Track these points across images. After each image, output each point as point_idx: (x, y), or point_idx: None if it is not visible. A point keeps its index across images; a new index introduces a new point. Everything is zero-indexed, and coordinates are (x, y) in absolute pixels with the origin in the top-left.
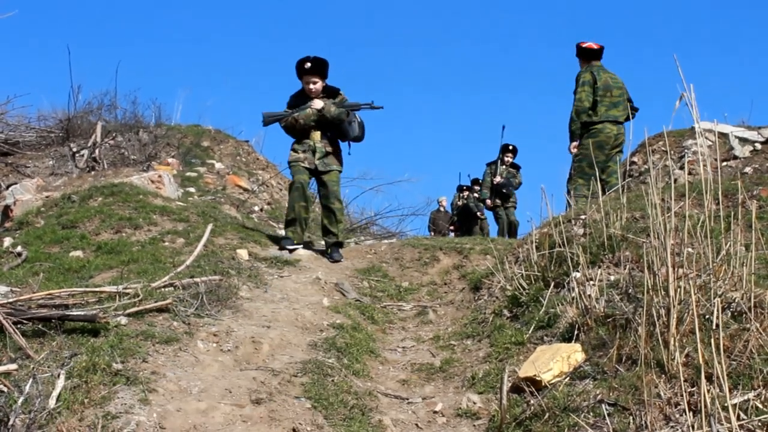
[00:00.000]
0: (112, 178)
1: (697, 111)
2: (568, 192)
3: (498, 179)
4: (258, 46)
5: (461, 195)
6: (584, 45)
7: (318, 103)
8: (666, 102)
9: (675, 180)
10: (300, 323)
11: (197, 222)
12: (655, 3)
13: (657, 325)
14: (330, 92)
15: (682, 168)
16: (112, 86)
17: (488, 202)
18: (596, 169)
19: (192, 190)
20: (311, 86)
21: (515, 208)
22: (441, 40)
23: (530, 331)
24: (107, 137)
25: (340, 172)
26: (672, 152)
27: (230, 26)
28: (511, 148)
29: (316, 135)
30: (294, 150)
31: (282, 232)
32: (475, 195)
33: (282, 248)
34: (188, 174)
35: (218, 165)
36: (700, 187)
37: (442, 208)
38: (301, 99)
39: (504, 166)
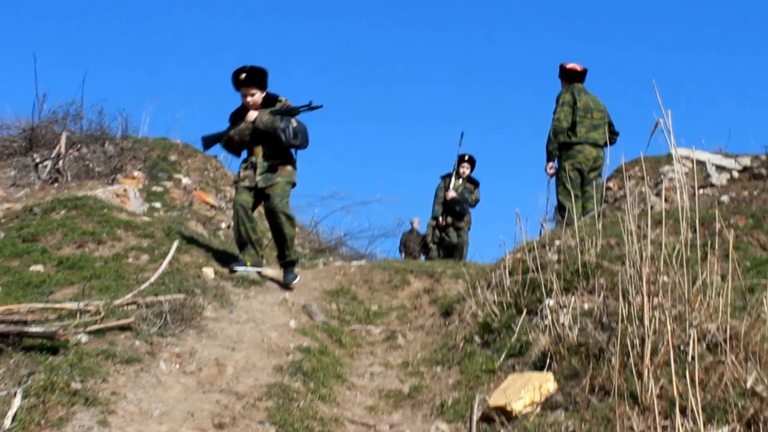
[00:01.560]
0: (75, 190)
1: (673, 137)
2: (562, 216)
3: (451, 194)
4: (230, 58)
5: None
6: (568, 66)
7: (251, 116)
8: (644, 128)
9: (651, 207)
10: (266, 345)
11: (162, 238)
12: (634, 28)
13: (631, 356)
14: (269, 101)
15: (658, 195)
16: (78, 96)
17: (439, 220)
18: (576, 189)
19: (158, 205)
20: (248, 98)
21: (469, 228)
22: (415, 57)
23: (501, 359)
24: (72, 148)
25: (291, 183)
26: (648, 178)
27: (201, 37)
28: (467, 158)
29: (258, 150)
30: (239, 168)
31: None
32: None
33: (231, 270)
34: (154, 188)
35: (185, 180)
36: (676, 214)
37: (414, 230)
38: (241, 114)
39: (459, 180)
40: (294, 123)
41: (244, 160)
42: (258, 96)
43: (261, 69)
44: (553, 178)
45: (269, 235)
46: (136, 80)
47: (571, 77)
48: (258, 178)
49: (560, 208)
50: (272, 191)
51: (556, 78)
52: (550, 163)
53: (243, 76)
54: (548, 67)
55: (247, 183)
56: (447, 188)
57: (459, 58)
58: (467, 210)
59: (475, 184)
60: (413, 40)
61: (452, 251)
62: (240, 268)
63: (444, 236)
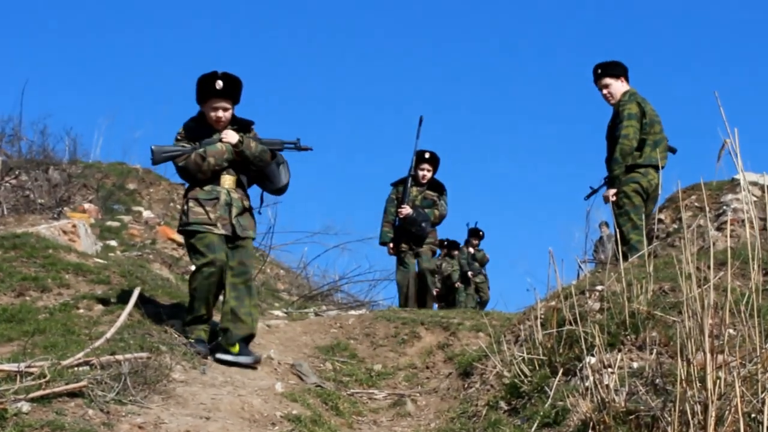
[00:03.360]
0: (13, 226)
1: (741, 160)
2: (624, 256)
3: (405, 210)
4: (198, 68)
5: (451, 255)
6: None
7: (231, 136)
8: (696, 146)
9: (713, 244)
10: (247, 414)
11: (120, 284)
12: (689, 27)
13: (691, 425)
14: (241, 125)
15: (720, 229)
16: (15, 112)
17: (389, 247)
18: (642, 221)
19: (114, 243)
20: (220, 113)
21: (434, 253)
22: (412, 86)
23: (533, 429)
24: (8, 175)
25: (254, 239)
26: (708, 209)
27: (164, 42)
28: (428, 156)
29: (229, 180)
30: (196, 202)
31: None
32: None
33: (200, 354)
34: (109, 224)
35: (147, 213)
36: (744, 253)
37: None
38: (201, 130)
39: (417, 188)
40: (285, 161)
41: (202, 189)
42: (230, 112)
43: (238, 78)
44: (597, 209)
45: None
46: (86, 93)
47: (619, 70)
48: (233, 221)
49: (622, 241)
50: (246, 246)
51: (586, 93)
52: (613, 190)
53: (220, 84)
54: (571, 77)
55: (220, 228)
56: (400, 201)
57: (463, 76)
58: (427, 231)
59: (440, 191)
60: (417, 64)
61: (420, 281)
62: (227, 357)
63: (404, 264)
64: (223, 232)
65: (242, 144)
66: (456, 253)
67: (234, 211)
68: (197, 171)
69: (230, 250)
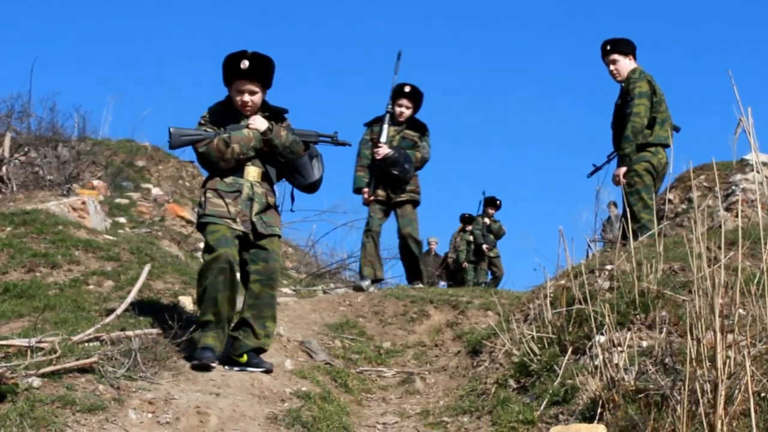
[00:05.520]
0: (23, 203)
1: (755, 140)
2: (634, 235)
3: (383, 150)
4: (208, 43)
5: (465, 230)
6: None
7: (260, 122)
8: (702, 124)
9: (722, 224)
10: (257, 390)
11: (129, 261)
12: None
13: (701, 404)
14: (273, 113)
15: (729, 209)
16: (25, 89)
17: (365, 193)
18: (653, 200)
19: (123, 220)
20: (246, 97)
21: (415, 203)
22: (429, 60)
23: (542, 408)
24: (18, 152)
25: (281, 238)
26: (717, 189)
27: (174, 18)
28: (408, 90)
29: (254, 172)
30: (215, 193)
31: None
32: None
33: (200, 363)
34: (118, 200)
35: (155, 190)
36: (754, 233)
37: (432, 251)
38: (228, 115)
39: (394, 127)
40: (319, 154)
41: (222, 181)
42: (258, 97)
43: (268, 58)
44: (608, 189)
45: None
46: (95, 71)
47: (628, 47)
48: (254, 218)
49: (633, 220)
50: (271, 247)
51: (597, 74)
52: (623, 169)
53: (246, 64)
54: (574, 60)
55: (238, 224)
56: (376, 141)
57: (471, 62)
58: (410, 174)
59: (421, 131)
60: (429, 53)
61: (404, 244)
62: (235, 367)
63: (369, 217)
64: (241, 228)
65: (271, 132)
66: (470, 228)
67: (255, 208)
68: (219, 158)
69: (253, 250)
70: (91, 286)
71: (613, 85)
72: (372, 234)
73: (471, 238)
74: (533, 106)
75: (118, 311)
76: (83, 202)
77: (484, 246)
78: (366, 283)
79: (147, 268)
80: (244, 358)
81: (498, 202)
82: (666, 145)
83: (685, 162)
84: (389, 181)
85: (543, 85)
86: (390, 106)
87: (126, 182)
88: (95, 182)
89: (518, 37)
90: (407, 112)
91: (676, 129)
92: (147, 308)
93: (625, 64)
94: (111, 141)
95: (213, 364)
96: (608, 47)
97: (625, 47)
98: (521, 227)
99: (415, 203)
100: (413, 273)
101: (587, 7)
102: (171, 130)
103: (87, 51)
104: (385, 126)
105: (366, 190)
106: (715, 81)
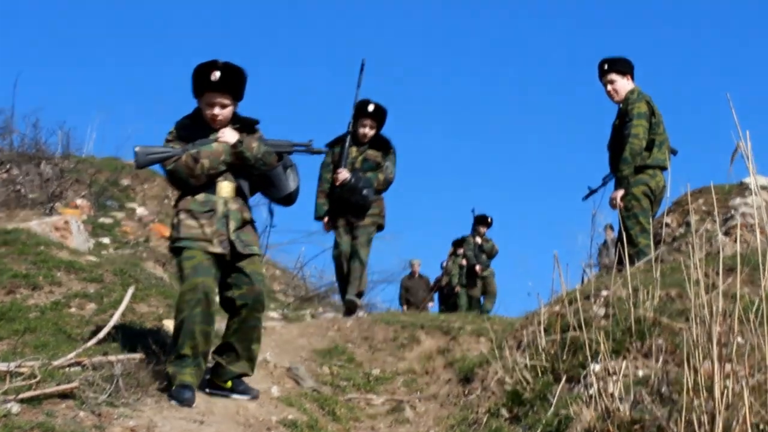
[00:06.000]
0: (4, 222)
1: (752, 163)
2: (631, 260)
3: (343, 174)
4: (196, 59)
5: (457, 254)
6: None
7: (229, 134)
8: (701, 147)
9: (721, 249)
10: (242, 418)
11: (113, 283)
12: (699, 24)
13: None
14: (244, 125)
15: (727, 234)
16: (7, 104)
17: (324, 221)
18: (650, 224)
19: (106, 240)
20: (216, 110)
21: (379, 227)
22: (433, 79)
23: None
24: None
25: (261, 257)
26: (716, 213)
27: (161, 33)
28: (371, 109)
29: (227, 187)
30: (188, 214)
31: None
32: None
33: (180, 401)
34: (102, 220)
35: (140, 210)
36: (753, 259)
37: (415, 274)
38: (196, 129)
39: (356, 147)
40: (294, 165)
41: (194, 199)
42: (229, 110)
43: (240, 70)
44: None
45: None
46: (80, 86)
47: (626, 67)
48: (232, 236)
49: (629, 244)
50: (252, 268)
51: (594, 93)
52: (620, 192)
53: (217, 75)
54: (569, 75)
55: (215, 246)
56: (337, 164)
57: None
58: (370, 199)
59: (386, 150)
60: (422, 72)
61: (353, 257)
62: (219, 392)
63: (335, 243)
64: (219, 250)
65: (242, 144)
66: (461, 251)
67: (232, 225)
68: (189, 175)
69: (235, 274)
70: (73, 309)
71: (610, 105)
72: (343, 256)
73: (464, 262)
74: (527, 125)
75: (101, 335)
76: (66, 222)
77: (477, 267)
78: (357, 300)
79: (131, 290)
80: (229, 384)
81: (489, 219)
82: (664, 168)
83: (683, 185)
84: (349, 208)
85: (538, 103)
86: (351, 125)
87: (110, 201)
88: (78, 201)
89: (515, 54)
90: (370, 133)
91: (674, 152)
92: (130, 332)
93: (623, 84)
94: (95, 159)
95: (192, 406)
96: (606, 66)
97: (623, 67)
98: (515, 249)
99: (379, 227)
100: (343, 289)
101: (585, 26)
102: (136, 149)
103: (72, 66)
104: (347, 146)
105: (326, 219)
106: (714, 103)
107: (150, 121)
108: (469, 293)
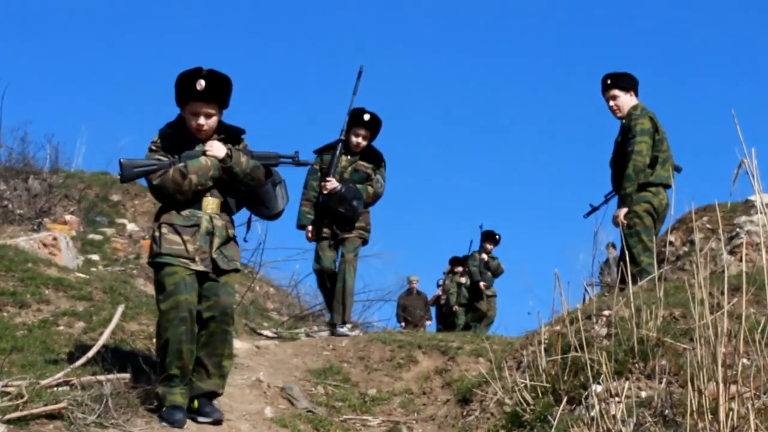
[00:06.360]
0: None
1: (758, 181)
2: (634, 279)
3: (332, 183)
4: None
5: (455, 272)
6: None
7: (218, 148)
8: (705, 164)
9: (726, 268)
10: None
11: (102, 301)
12: (703, 40)
13: None
14: (229, 135)
15: (732, 252)
16: None
17: (309, 231)
18: (653, 243)
19: (96, 257)
20: (202, 120)
21: (364, 241)
22: (425, 96)
23: None
24: None
25: (239, 271)
26: (721, 232)
27: (151, 44)
28: (367, 119)
29: (213, 204)
30: (171, 228)
31: None
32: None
33: (171, 422)
34: (91, 236)
35: (131, 226)
36: (759, 278)
37: (413, 290)
38: (181, 139)
39: (347, 157)
40: (282, 180)
41: (179, 214)
42: (215, 120)
43: (226, 78)
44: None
45: None
46: (69, 99)
47: (630, 83)
48: (215, 253)
49: (632, 263)
50: (224, 280)
51: (596, 109)
52: (624, 209)
53: (202, 84)
54: (573, 94)
55: (198, 263)
56: (326, 172)
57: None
58: (359, 212)
59: (377, 163)
60: (416, 79)
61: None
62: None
63: (317, 257)
64: (201, 268)
65: (231, 159)
66: (460, 269)
67: (216, 242)
68: (176, 191)
69: (207, 284)
70: (62, 327)
71: (613, 122)
72: (325, 274)
73: (462, 280)
74: (529, 139)
75: (90, 354)
76: (54, 238)
77: (482, 284)
78: (345, 329)
79: (120, 308)
80: (195, 404)
81: (497, 237)
82: (667, 186)
83: (687, 202)
84: (335, 219)
85: (539, 118)
86: (344, 133)
87: (100, 217)
88: (67, 217)
89: (517, 68)
90: (363, 143)
91: (678, 169)
92: (120, 351)
93: (625, 100)
94: (85, 173)
95: (183, 427)
96: (609, 81)
97: (627, 82)
98: (515, 266)
99: (364, 241)
100: (330, 303)
101: (587, 41)
102: (122, 161)
103: (61, 77)
104: (337, 154)
105: (310, 228)
106: (719, 119)
107: (141, 135)
108: (476, 306)
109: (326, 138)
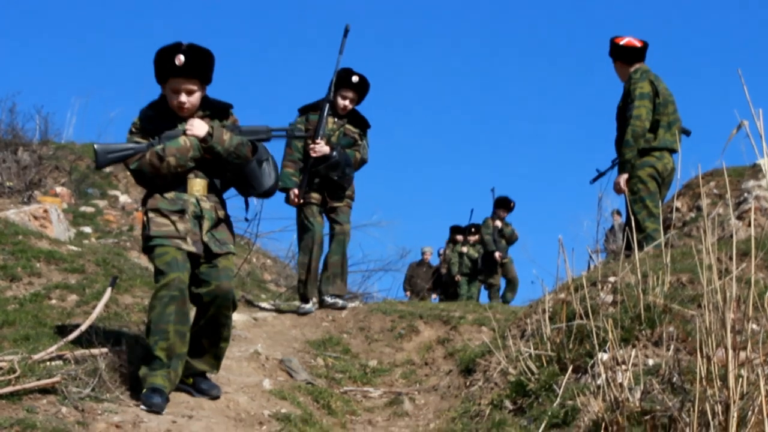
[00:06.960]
0: None
1: (765, 143)
2: (639, 245)
3: (321, 146)
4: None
5: (455, 242)
6: (621, 42)
7: (198, 126)
8: (716, 128)
9: (734, 233)
10: (233, 413)
11: (95, 273)
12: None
13: (711, 427)
14: (215, 111)
15: (740, 218)
16: None
17: (293, 194)
18: (658, 208)
19: (88, 230)
20: (183, 98)
21: (348, 207)
22: (417, 58)
23: (540, 430)
24: None
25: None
26: (729, 197)
27: (142, 14)
28: (355, 80)
29: (199, 185)
30: (158, 213)
31: None
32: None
33: (148, 406)
34: (83, 209)
35: (123, 198)
36: None
37: (425, 262)
38: (162, 119)
39: (334, 119)
40: (270, 155)
41: (163, 196)
42: (197, 96)
43: (207, 52)
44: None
45: None
46: (59, 69)
47: (630, 57)
48: (206, 236)
49: (637, 229)
50: (225, 264)
51: (604, 71)
52: (624, 175)
53: (181, 60)
54: (580, 56)
55: (189, 244)
56: (314, 134)
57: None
58: (350, 176)
59: (363, 127)
60: (417, 52)
61: (336, 242)
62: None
63: (305, 229)
64: (192, 249)
65: (212, 137)
66: (460, 238)
67: (206, 225)
68: (154, 175)
69: (204, 270)
70: (54, 301)
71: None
72: (316, 246)
73: (464, 249)
74: (530, 104)
75: (83, 327)
76: (45, 211)
77: (497, 253)
78: (309, 306)
79: (114, 281)
80: (190, 380)
81: (512, 204)
82: (673, 150)
83: (693, 167)
84: (326, 185)
85: (541, 82)
86: (331, 94)
87: (91, 189)
88: (58, 189)
89: (521, 31)
90: (350, 106)
91: (687, 132)
92: (114, 324)
93: (625, 72)
94: (75, 145)
95: (163, 412)
96: (611, 51)
97: (626, 55)
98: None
99: (348, 206)
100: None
101: (595, 5)
102: (96, 147)
103: (50, 48)
104: (324, 117)
105: (296, 191)
106: (727, 81)
107: (132, 104)
108: (489, 281)
109: (310, 98)
